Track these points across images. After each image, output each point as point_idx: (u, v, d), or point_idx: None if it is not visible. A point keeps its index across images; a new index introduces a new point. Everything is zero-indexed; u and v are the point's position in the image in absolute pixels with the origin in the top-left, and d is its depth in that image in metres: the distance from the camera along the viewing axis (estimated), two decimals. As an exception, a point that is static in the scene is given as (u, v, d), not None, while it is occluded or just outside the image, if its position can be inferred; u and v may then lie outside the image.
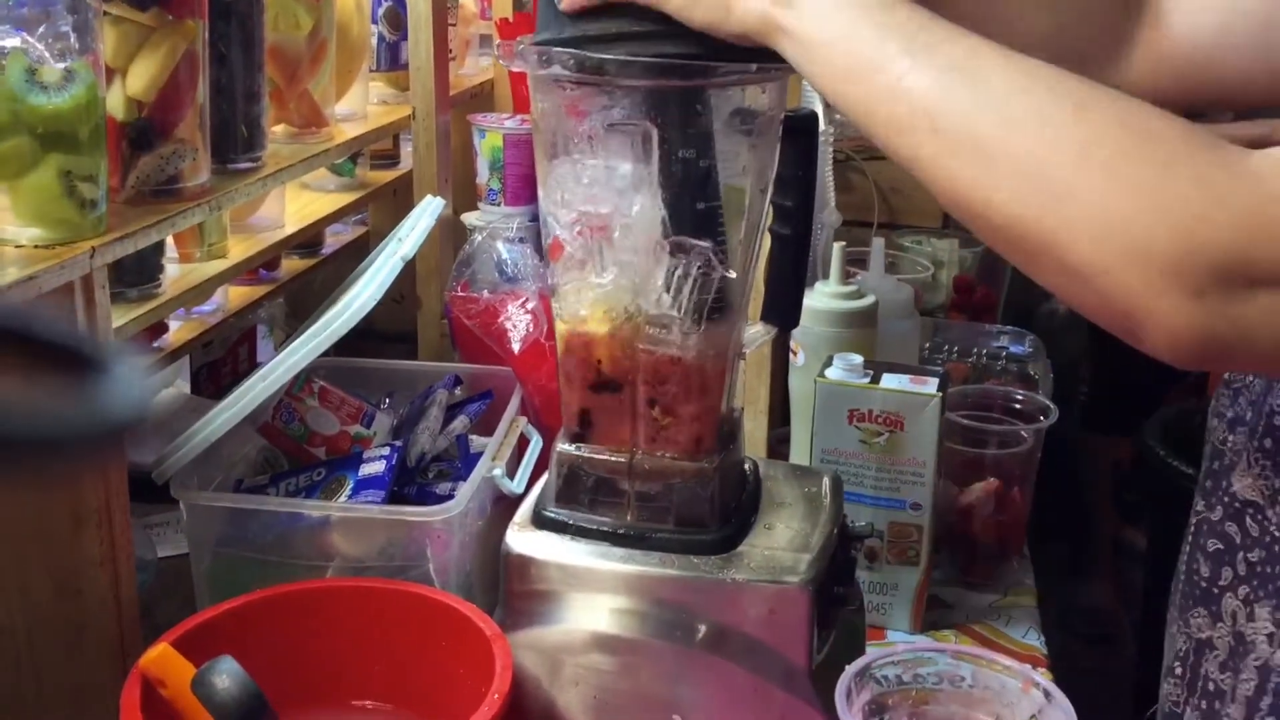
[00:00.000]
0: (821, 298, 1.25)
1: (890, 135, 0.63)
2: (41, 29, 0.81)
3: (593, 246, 0.82)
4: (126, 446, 0.83)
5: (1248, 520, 0.78)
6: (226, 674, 0.76)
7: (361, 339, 1.19)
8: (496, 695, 0.79)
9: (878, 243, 1.49)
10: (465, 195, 1.47)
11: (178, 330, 1.18)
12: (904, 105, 0.61)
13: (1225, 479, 0.80)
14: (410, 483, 1.08)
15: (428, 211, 1.18)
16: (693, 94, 0.79)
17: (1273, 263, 0.54)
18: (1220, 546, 0.80)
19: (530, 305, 1.28)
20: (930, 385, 1.06)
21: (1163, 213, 0.55)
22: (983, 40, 0.62)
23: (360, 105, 1.40)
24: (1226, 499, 0.80)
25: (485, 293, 1.30)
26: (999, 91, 0.60)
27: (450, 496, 1.00)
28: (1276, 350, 0.56)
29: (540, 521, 0.88)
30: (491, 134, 1.39)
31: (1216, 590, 0.80)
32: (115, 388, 0.31)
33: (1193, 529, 0.84)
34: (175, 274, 1.13)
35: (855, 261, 1.49)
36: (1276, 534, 0.75)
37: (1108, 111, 0.58)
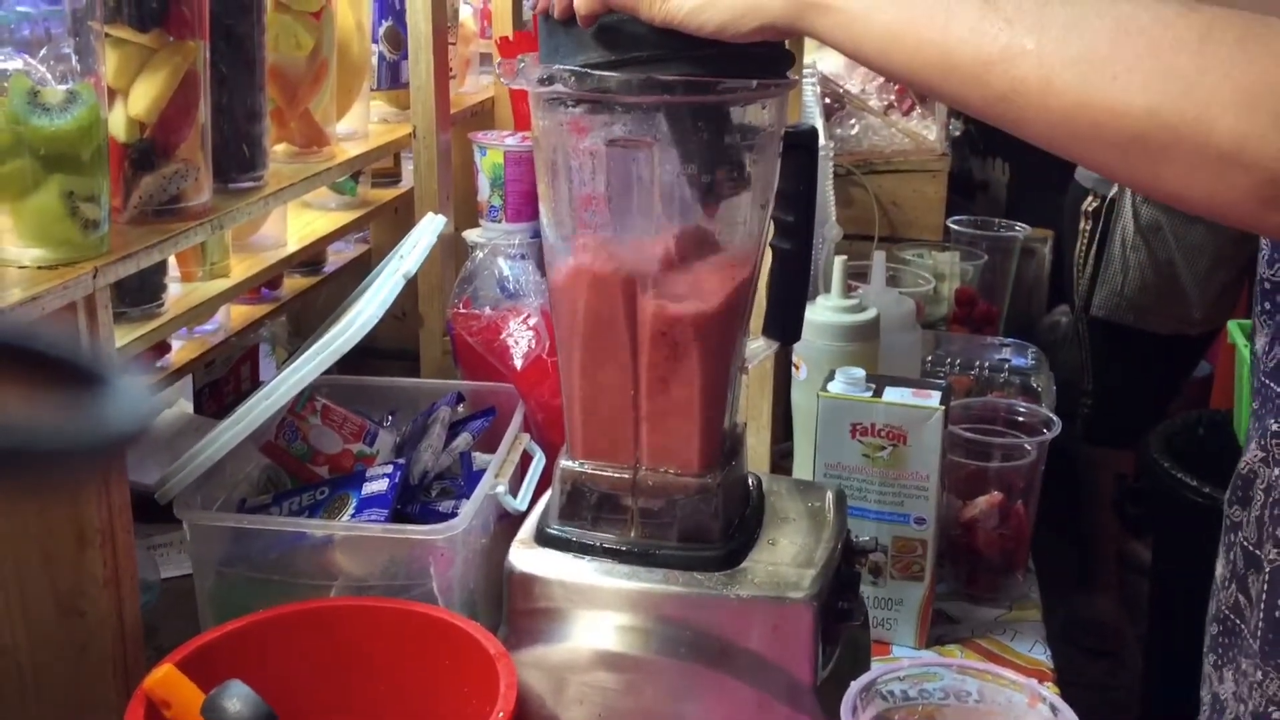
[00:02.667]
0: (823, 312, 1.25)
1: (977, 78, 0.62)
2: (43, 51, 0.82)
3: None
4: (127, 460, 0.83)
5: None
6: (237, 698, 0.75)
7: (364, 357, 1.19)
8: (501, 714, 0.79)
9: (879, 256, 1.49)
10: (466, 212, 1.47)
11: (180, 350, 1.18)
12: (992, 41, 0.61)
13: None
14: (413, 501, 1.08)
15: (429, 229, 1.18)
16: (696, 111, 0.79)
17: None
18: None
19: (532, 321, 1.28)
20: (933, 398, 1.06)
21: None
22: None
23: (361, 124, 1.40)
24: None
25: (487, 309, 1.31)
26: (1100, 4, 0.60)
27: (453, 514, 1.00)
28: None
29: (544, 539, 0.88)
30: (492, 151, 1.39)
31: None
32: (116, 401, 0.31)
33: (1269, 577, 0.81)
34: (177, 293, 1.13)
35: (856, 275, 1.49)
36: None
37: (1210, 6, 0.58)
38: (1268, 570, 0.82)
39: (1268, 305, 0.83)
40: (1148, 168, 0.59)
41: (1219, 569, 0.89)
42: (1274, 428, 0.80)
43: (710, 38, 0.71)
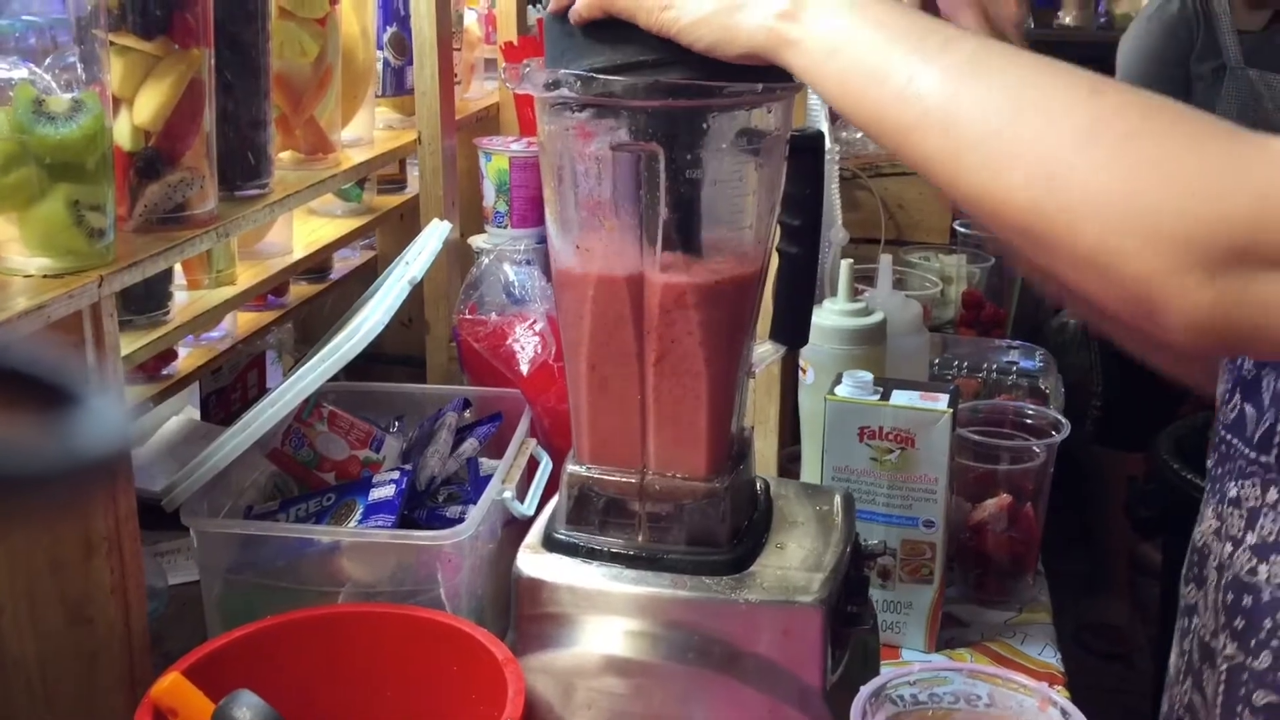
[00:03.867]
0: (830, 315, 1.25)
1: (902, 139, 0.62)
2: (49, 60, 0.82)
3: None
4: (113, 478, 0.83)
5: None
6: (247, 707, 0.75)
7: (370, 363, 1.19)
8: (509, 720, 0.78)
9: (885, 259, 1.49)
10: (472, 218, 1.47)
11: (187, 357, 1.18)
12: (915, 108, 0.60)
13: (1268, 617, 0.71)
14: (420, 506, 1.07)
15: (435, 235, 1.18)
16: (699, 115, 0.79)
17: None
18: (1275, 699, 0.71)
19: (538, 327, 1.28)
20: (941, 401, 1.06)
21: (1177, 190, 0.53)
22: (989, 40, 0.61)
23: (366, 131, 1.40)
24: (1275, 642, 0.70)
25: (493, 315, 1.31)
26: (1008, 84, 0.59)
27: (460, 520, 0.99)
28: None
29: (551, 544, 0.88)
30: (498, 157, 1.39)
31: None
32: (94, 422, 0.30)
33: (1225, 677, 0.74)
34: (184, 301, 1.13)
35: (863, 278, 1.49)
36: None
37: (1120, 95, 0.57)
38: (1224, 668, 0.75)
39: None
40: (1041, 258, 0.59)
41: (1172, 659, 0.82)
42: (1231, 493, 0.72)
43: (702, 53, 0.72)
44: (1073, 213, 0.55)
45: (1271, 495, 0.69)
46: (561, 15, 0.77)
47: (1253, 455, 0.70)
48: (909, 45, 0.62)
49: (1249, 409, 0.69)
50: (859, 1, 0.64)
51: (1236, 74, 2.40)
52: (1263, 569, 0.70)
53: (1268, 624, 0.70)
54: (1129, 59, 2.54)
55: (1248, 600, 0.71)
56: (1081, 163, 0.55)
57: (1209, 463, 0.75)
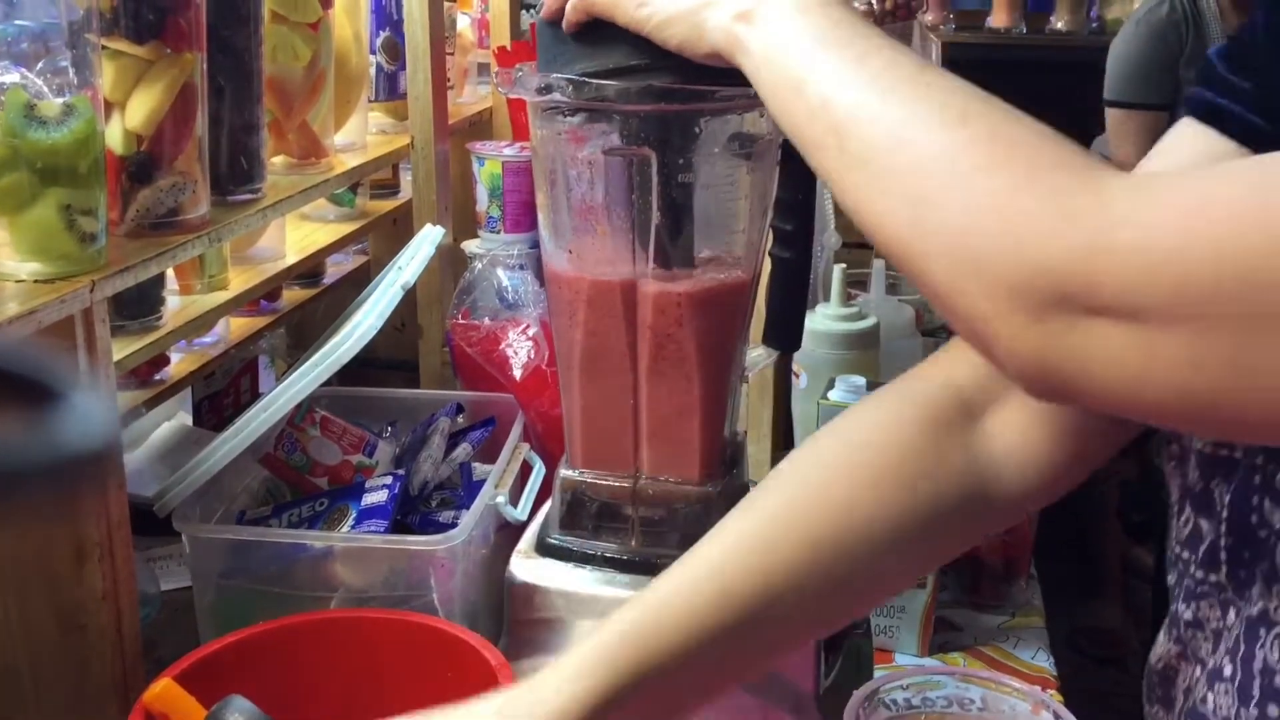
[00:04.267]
0: (823, 320, 1.25)
1: (810, 153, 0.62)
2: (40, 64, 0.82)
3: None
4: (98, 477, 0.83)
5: None
6: (239, 712, 0.75)
7: (363, 368, 1.19)
8: (502, 725, 0.78)
9: (878, 264, 1.49)
10: (465, 223, 1.47)
11: (179, 362, 1.18)
12: (821, 122, 0.60)
13: None
14: (413, 512, 1.07)
15: (428, 240, 1.18)
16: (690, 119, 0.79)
17: (1114, 290, 0.49)
18: None
19: (531, 332, 1.28)
20: (933, 406, 1.06)
21: (1010, 231, 0.52)
22: (903, 55, 0.61)
23: (359, 135, 1.40)
24: None
25: (486, 320, 1.30)
26: (899, 105, 0.58)
27: (453, 525, 0.99)
28: (1117, 385, 0.51)
29: (544, 549, 0.88)
30: (491, 162, 1.39)
31: None
32: (77, 419, 0.30)
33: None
34: (176, 306, 1.13)
35: (856, 283, 1.49)
36: None
37: (986, 123, 0.56)
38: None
39: (1175, 448, 0.66)
40: (917, 283, 0.58)
41: None
42: (1187, 615, 0.66)
43: (674, 51, 0.72)
44: (925, 246, 0.55)
45: (1229, 617, 0.63)
46: (553, 21, 0.77)
47: (1200, 574, 0.65)
48: (831, 57, 0.61)
49: (1203, 524, 0.64)
50: (807, 7, 0.64)
51: None
52: (1212, 698, 0.64)
53: None
54: (1119, 62, 2.57)
55: None
56: (937, 196, 0.55)
57: (1170, 579, 0.69)
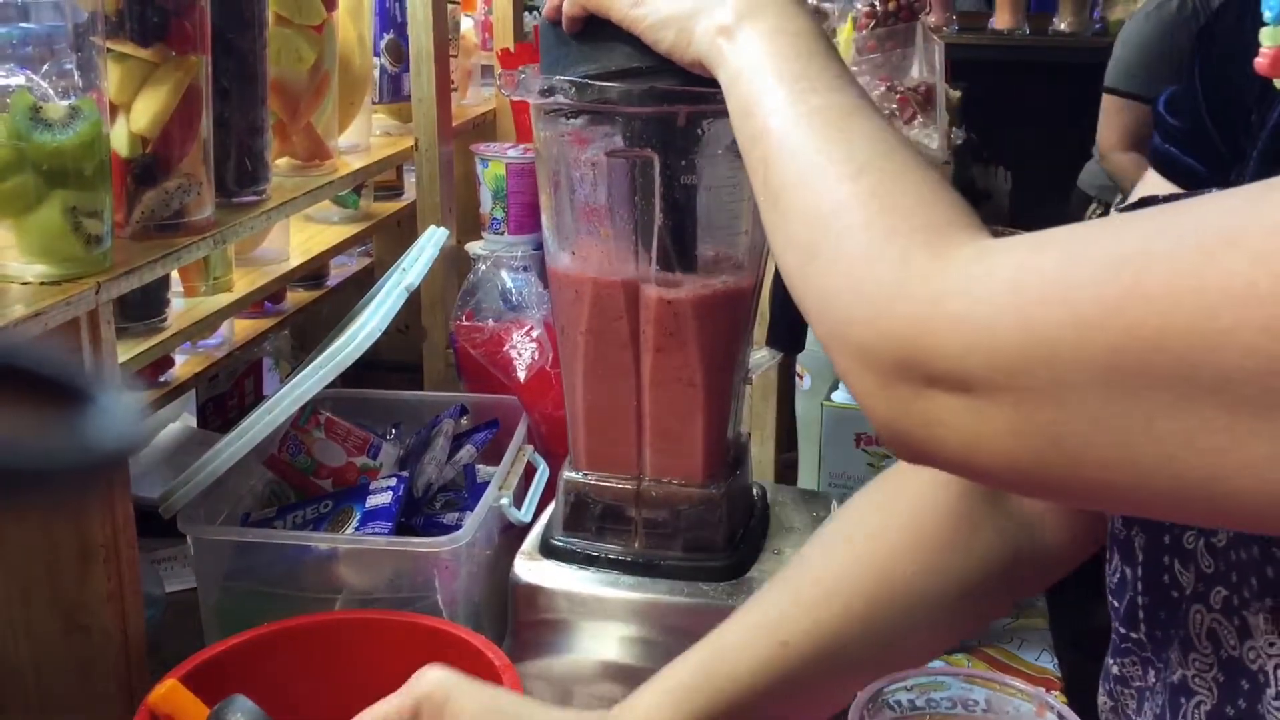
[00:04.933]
0: (826, 321, 1.25)
1: (750, 173, 0.62)
2: (45, 67, 0.82)
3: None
4: (119, 478, 0.83)
5: None
6: (243, 713, 0.75)
7: (367, 370, 1.19)
8: (506, 726, 0.78)
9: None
10: (469, 225, 1.47)
11: (183, 364, 1.18)
12: (758, 150, 0.61)
13: None
14: (417, 513, 1.07)
15: (432, 241, 1.18)
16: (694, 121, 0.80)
17: (944, 358, 0.49)
18: None
19: (535, 333, 1.28)
20: (937, 407, 1.06)
21: (860, 294, 0.53)
22: (851, 95, 0.61)
23: (363, 137, 1.40)
24: None
25: (490, 322, 1.31)
26: (814, 149, 0.58)
27: (457, 526, 0.99)
28: (959, 450, 0.51)
29: (548, 550, 0.88)
30: (494, 163, 1.39)
31: None
32: (106, 420, 0.30)
33: None
34: (180, 308, 1.13)
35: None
36: None
37: (877, 179, 0.56)
38: None
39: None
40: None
41: None
42: (1115, 670, 0.66)
43: (664, 55, 0.72)
44: (806, 294, 0.56)
45: (1149, 677, 0.63)
46: (555, 22, 0.77)
47: (1124, 630, 0.65)
48: (780, 89, 0.62)
49: (1126, 571, 0.64)
50: (778, 33, 0.64)
51: None
52: None
53: None
54: (1125, 49, 2.60)
55: None
56: (819, 248, 0.55)
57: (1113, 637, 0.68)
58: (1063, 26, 3.73)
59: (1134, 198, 0.66)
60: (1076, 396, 0.47)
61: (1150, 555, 0.61)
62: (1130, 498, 0.50)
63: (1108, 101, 2.62)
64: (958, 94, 2.01)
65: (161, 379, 1.14)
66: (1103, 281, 0.46)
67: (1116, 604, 0.65)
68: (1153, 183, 0.67)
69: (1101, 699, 0.69)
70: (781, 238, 0.59)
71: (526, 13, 1.76)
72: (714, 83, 0.73)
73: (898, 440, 0.53)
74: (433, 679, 0.71)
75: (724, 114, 0.75)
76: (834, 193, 0.56)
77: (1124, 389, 0.45)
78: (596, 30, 0.75)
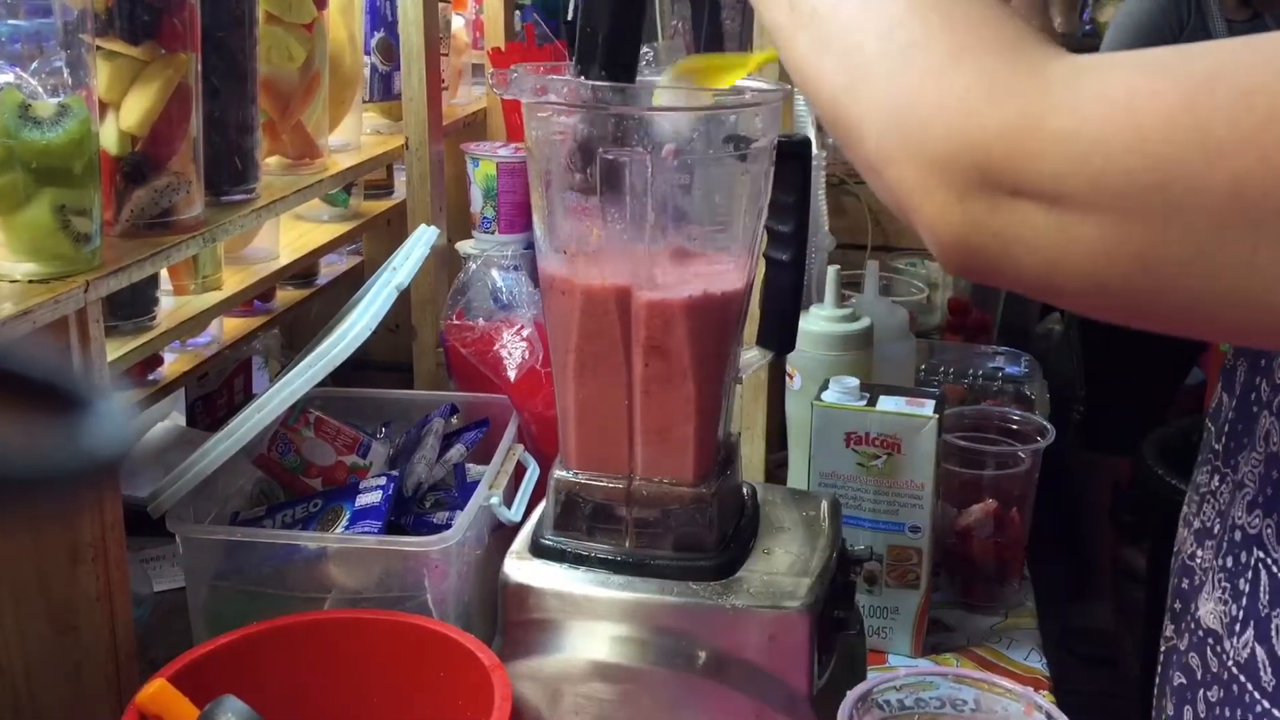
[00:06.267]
0: (817, 321, 1.25)
1: (765, 18, 0.61)
2: (35, 64, 0.82)
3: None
4: (111, 482, 0.83)
5: (1208, 653, 0.69)
6: (232, 713, 0.75)
7: (357, 369, 1.19)
8: (496, 726, 0.78)
9: (872, 265, 1.49)
10: (459, 224, 1.47)
11: (173, 363, 1.18)
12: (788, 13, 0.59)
13: (1192, 601, 0.72)
14: (407, 512, 1.07)
15: (422, 240, 1.18)
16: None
17: (1037, 173, 0.49)
18: (1183, 681, 0.72)
19: (526, 333, 1.28)
20: (927, 407, 1.06)
21: (939, 105, 0.51)
22: None
23: (354, 136, 1.40)
24: (1192, 625, 0.71)
25: (480, 321, 1.30)
26: None
27: (447, 526, 0.99)
28: (1034, 268, 0.51)
29: (538, 550, 0.88)
30: (485, 162, 1.39)
31: None
32: (97, 424, 0.30)
33: (1161, 659, 0.76)
34: (170, 306, 1.12)
35: (850, 285, 1.49)
36: (1234, 670, 0.66)
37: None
38: (1162, 649, 0.76)
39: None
40: (847, 151, 0.57)
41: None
42: (1198, 479, 0.73)
43: None
44: (858, 112, 0.55)
45: (1216, 482, 0.70)
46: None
47: (1213, 444, 0.71)
48: None
49: (1225, 398, 0.71)
50: None
51: None
52: (1199, 554, 0.71)
53: (1193, 607, 0.71)
54: (1118, 31, 2.64)
55: (1186, 584, 0.72)
56: (875, 62, 0.54)
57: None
58: (1055, 26, 3.74)
59: None
60: (1184, 222, 0.47)
61: (1247, 379, 0.67)
62: (1213, 324, 0.52)
63: None
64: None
65: (150, 377, 1.14)
66: (1237, 110, 0.46)
67: (1212, 425, 0.72)
68: None
69: (1182, 511, 0.76)
70: (818, 66, 0.57)
71: (516, 11, 1.76)
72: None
73: (970, 256, 0.53)
74: None
75: (717, 111, 0.75)
76: (889, 11, 0.55)
77: (1239, 218, 0.46)
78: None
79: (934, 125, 0.51)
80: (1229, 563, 0.67)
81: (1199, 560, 0.71)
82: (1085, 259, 0.49)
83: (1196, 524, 0.72)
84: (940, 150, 0.51)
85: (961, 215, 0.51)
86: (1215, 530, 0.69)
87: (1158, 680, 0.77)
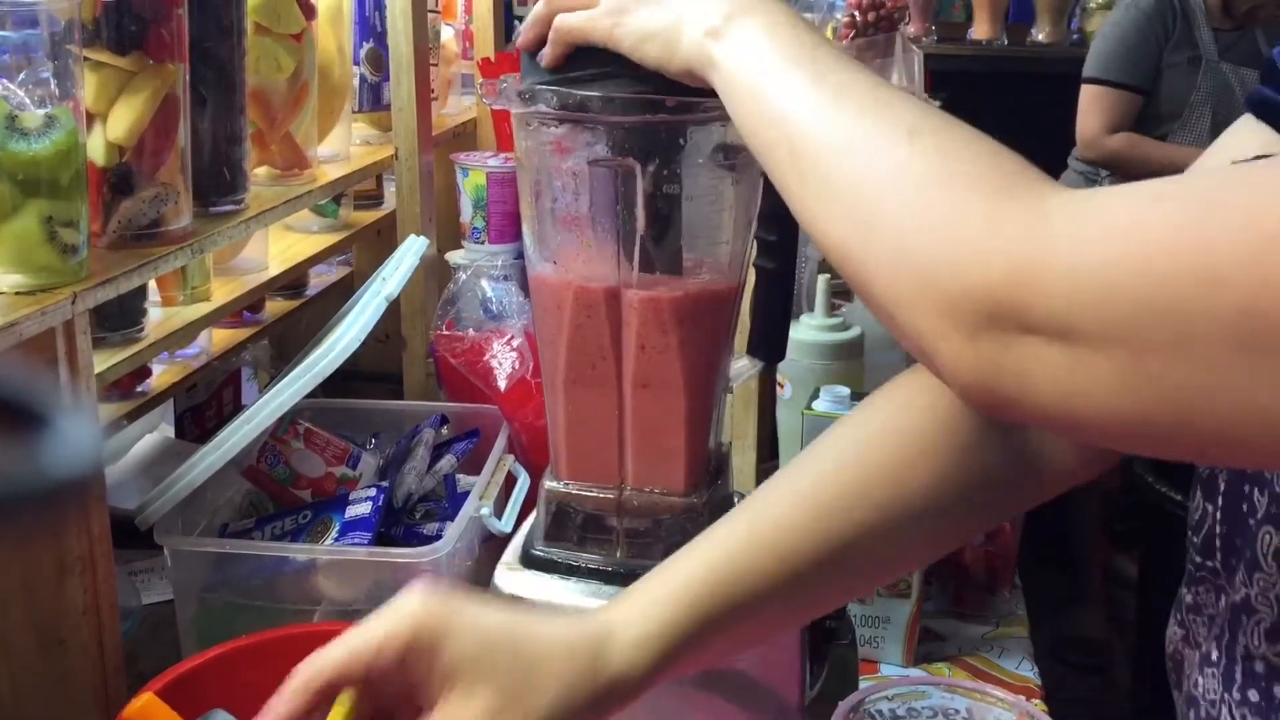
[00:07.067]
0: (807, 330, 1.25)
1: (767, 163, 0.62)
2: (22, 75, 0.81)
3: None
4: (83, 500, 0.82)
5: None
6: (220, 727, 0.74)
7: (347, 380, 1.18)
8: (487, 738, 0.78)
9: (862, 275, 1.49)
10: (449, 234, 1.47)
11: (161, 374, 1.17)
12: (777, 132, 0.61)
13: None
14: (397, 523, 1.07)
15: (411, 251, 1.18)
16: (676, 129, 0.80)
17: (1045, 309, 0.49)
18: None
19: (516, 343, 1.28)
20: (918, 416, 1.06)
21: (947, 248, 0.52)
22: (865, 73, 0.61)
23: (343, 146, 1.40)
24: None
25: (470, 331, 1.30)
26: (851, 118, 0.58)
27: (438, 537, 0.99)
28: (1053, 404, 0.50)
29: (529, 560, 0.88)
30: (475, 173, 1.39)
31: None
32: (63, 444, 0.30)
33: None
34: (158, 318, 1.12)
35: (840, 294, 1.49)
36: None
37: (934, 139, 0.56)
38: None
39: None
40: (859, 292, 0.58)
41: None
42: (1188, 599, 0.69)
43: (651, 69, 0.72)
44: (868, 260, 0.55)
45: (1213, 601, 0.66)
46: (533, 52, 0.77)
47: (1200, 559, 0.68)
48: (792, 72, 0.62)
49: (1208, 508, 0.67)
50: (775, 25, 0.64)
51: (1212, 67, 2.61)
52: (1201, 683, 0.67)
53: None
54: (1105, 40, 2.67)
55: (1192, 714, 0.68)
56: (882, 209, 0.55)
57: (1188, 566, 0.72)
58: (1040, 37, 3.75)
59: (1215, 157, 0.67)
60: (1197, 349, 0.46)
61: (1231, 486, 0.63)
62: (1249, 451, 0.50)
63: (1089, 92, 2.68)
64: (937, 103, 2.02)
65: (139, 389, 1.13)
66: (1237, 233, 0.45)
67: (1195, 538, 0.67)
68: (1235, 142, 0.66)
69: (1171, 629, 0.71)
70: (826, 209, 0.58)
71: (517, 21, 1.76)
72: (698, 90, 0.73)
73: (988, 395, 0.52)
74: (421, 612, 0.63)
75: (706, 122, 0.75)
76: (891, 155, 0.55)
77: (1255, 343, 0.45)
78: (577, 56, 0.75)
79: (941, 268, 0.52)
80: (1253, 697, 0.63)
81: (1202, 690, 0.66)
82: (1103, 392, 0.49)
83: (1203, 648, 0.67)
84: (949, 292, 0.51)
85: (975, 356, 0.51)
86: (1221, 660, 0.65)
87: None
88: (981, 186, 0.53)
